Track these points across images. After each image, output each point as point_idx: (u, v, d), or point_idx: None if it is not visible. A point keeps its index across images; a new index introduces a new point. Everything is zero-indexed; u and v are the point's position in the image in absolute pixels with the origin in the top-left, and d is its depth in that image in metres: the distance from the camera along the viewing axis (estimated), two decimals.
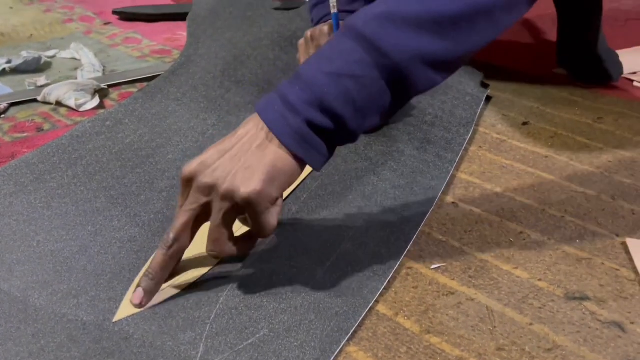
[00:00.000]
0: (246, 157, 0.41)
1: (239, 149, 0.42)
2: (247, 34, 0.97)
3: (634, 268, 0.49)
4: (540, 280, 0.48)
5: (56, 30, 1.12)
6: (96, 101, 0.79)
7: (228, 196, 0.41)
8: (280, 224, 0.45)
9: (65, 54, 0.97)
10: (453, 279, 0.48)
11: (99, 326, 0.41)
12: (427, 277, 0.49)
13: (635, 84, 0.87)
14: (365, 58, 0.40)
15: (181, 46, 1.04)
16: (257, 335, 0.41)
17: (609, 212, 0.57)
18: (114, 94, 0.84)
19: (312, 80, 0.41)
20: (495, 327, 0.43)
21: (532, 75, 0.90)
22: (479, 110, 0.74)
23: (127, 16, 1.18)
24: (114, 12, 1.19)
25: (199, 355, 0.39)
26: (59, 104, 0.79)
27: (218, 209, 0.42)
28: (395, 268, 0.48)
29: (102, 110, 0.78)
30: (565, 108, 0.79)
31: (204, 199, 0.42)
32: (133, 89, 0.85)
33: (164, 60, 0.97)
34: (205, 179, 0.41)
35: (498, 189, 0.61)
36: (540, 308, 0.45)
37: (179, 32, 1.12)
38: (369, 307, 0.44)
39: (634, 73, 0.89)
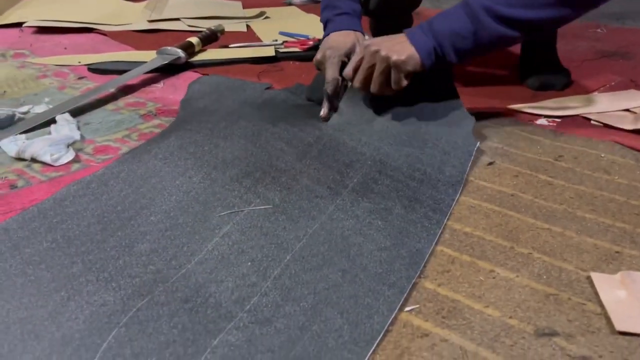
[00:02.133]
0: (397, 44, 0.78)
1: (392, 40, 0.80)
2: (239, 104, 1.00)
3: (600, 302, 0.51)
4: (510, 317, 0.49)
5: (30, 86, 1.13)
6: (71, 154, 0.80)
7: (385, 58, 0.78)
8: (259, 287, 0.52)
9: (38, 109, 0.98)
10: (427, 320, 0.49)
11: None
12: (402, 319, 0.49)
13: (592, 122, 0.91)
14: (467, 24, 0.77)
15: (155, 98, 1.06)
16: None
17: (573, 248, 0.59)
18: (89, 147, 0.84)
19: (437, 30, 0.78)
20: None
21: (490, 112, 0.94)
22: (468, 167, 0.74)
23: (101, 71, 1.20)
24: (89, 69, 1.21)
25: None
26: (33, 160, 0.79)
27: (379, 66, 0.79)
28: (378, 341, 0.46)
29: (77, 164, 0.78)
30: (528, 147, 0.82)
31: (372, 61, 0.80)
32: (107, 142, 0.86)
33: (138, 112, 0.98)
34: (374, 47, 0.79)
35: (467, 229, 0.63)
36: (511, 346, 0.46)
37: (154, 84, 1.14)
38: None
39: (591, 113, 0.93)
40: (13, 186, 0.73)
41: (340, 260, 0.56)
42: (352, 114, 0.87)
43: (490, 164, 0.78)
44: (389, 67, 0.78)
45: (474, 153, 0.77)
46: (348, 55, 0.89)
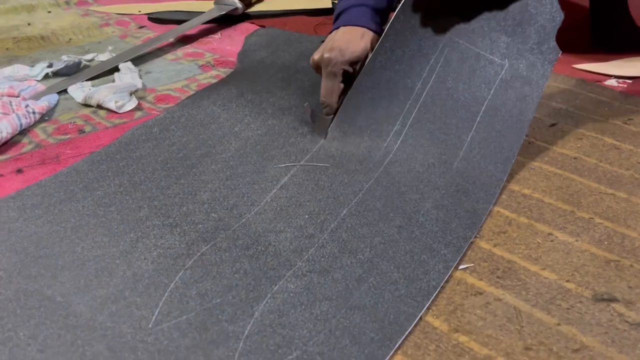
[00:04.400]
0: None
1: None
2: (296, 57, 0.99)
3: None
4: (568, 281, 0.49)
5: (93, 34, 1.16)
6: (134, 102, 0.82)
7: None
8: (316, 239, 0.53)
9: (102, 57, 1.01)
10: (481, 279, 0.50)
11: (135, 336, 0.43)
12: (456, 277, 0.50)
13: None
14: None
15: (212, 49, 1.07)
16: (290, 357, 0.41)
17: (638, 215, 0.57)
18: (150, 96, 0.87)
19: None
20: (522, 327, 0.45)
21: (555, 71, 0.90)
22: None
23: (160, 21, 1.21)
24: (149, 18, 1.23)
25: None
26: (99, 106, 0.82)
27: None
28: (433, 297, 0.47)
29: (140, 112, 0.81)
30: (594, 109, 0.79)
31: None
32: (168, 92, 0.88)
33: (196, 62, 1.00)
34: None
35: (526, 191, 0.62)
36: (568, 309, 0.46)
37: (211, 35, 1.15)
38: (405, 335, 0.44)
39: None
40: (81, 131, 0.76)
41: (396, 217, 0.56)
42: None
43: (553, 125, 0.75)
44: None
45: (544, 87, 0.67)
46: (354, 63, 0.69)
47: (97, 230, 0.55)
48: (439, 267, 0.50)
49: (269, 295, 0.47)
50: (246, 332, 0.43)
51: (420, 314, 0.45)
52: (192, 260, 0.50)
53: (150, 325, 0.44)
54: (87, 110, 0.82)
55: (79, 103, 0.84)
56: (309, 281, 0.48)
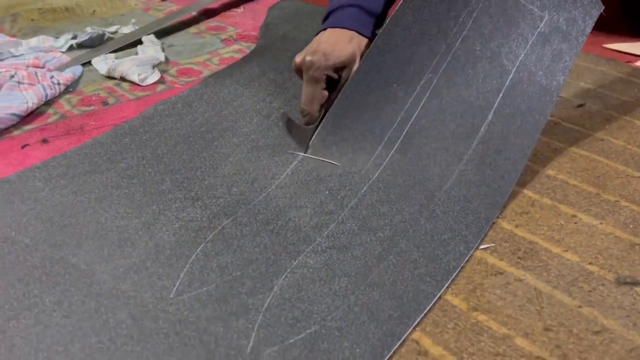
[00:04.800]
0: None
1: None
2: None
3: None
4: (590, 263, 0.48)
5: (117, 6, 1.16)
6: (157, 75, 0.83)
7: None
8: (336, 215, 0.51)
9: (125, 30, 1.01)
10: (502, 260, 0.49)
11: (157, 305, 0.44)
12: (476, 257, 0.50)
13: None
14: None
15: (235, 23, 1.06)
16: (308, 331, 0.42)
17: None
18: (173, 69, 0.87)
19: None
20: (543, 307, 0.44)
21: (583, 51, 0.88)
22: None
23: None
24: None
25: (250, 346, 0.41)
26: (122, 79, 0.82)
27: None
28: (453, 277, 0.47)
29: (162, 85, 0.81)
30: (624, 90, 0.77)
31: None
32: (190, 65, 0.88)
33: (219, 36, 0.99)
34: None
35: (550, 172, 0.61)
36: (590, 291, 0.46)
37: (234, 9, 1.14)
38: (423, 314, 0.44)
39: None
40: (105, 103, 0.77)
41: (417, 194, 0.56)
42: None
43: (581, 105, 0.73)
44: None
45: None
46: (339, 69, 0.63)
47: (120, 202, 0.55)
48: (459, 247, 0.49)
49: (288, 270, 0.47)
50: (265, 305, 0.44)
51: (440, 294, 0.45)
52: (213, 234, 0.51)
53: (171, 296, 0.45)
54: (110, 83, 0.82)
55: (102, 75, 0.84)
56: (329, 257, 0.48)
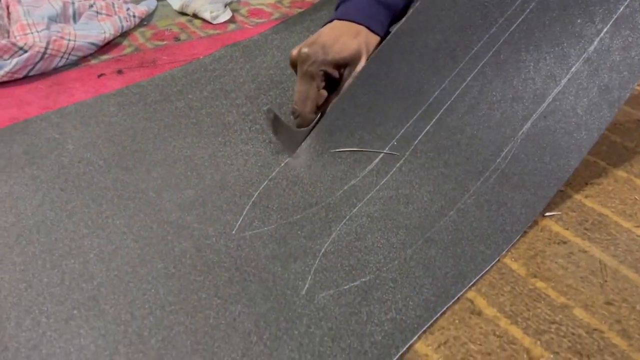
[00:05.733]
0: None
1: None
2: None
3: None
4: None
5: None
6: (228, 14, 0.83)
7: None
8: (396, 161, 0.51)
9: None
10: (567, 229, 0.48)
11: (220, 240, 0.45)
12: (540, 223, 0.48)
13: None
14: None
15: None
16: (363, 279, 0.42)
17: None
18: (244, 9, 0.86)
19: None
20: (606, 281, 0.43)
21: None
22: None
23: None
24: None
25: (306, 287, 0.42)
26: (194, 15, 0.83)
27: None
28: (514, 242, 0.46)
29: (233, 25, 0.81)
30: None
31: None
32: (261, 6, 0.87)
33: None
34: None
35: (629, 144, 0.57)
36: None
37: None
38: (480, 275, 0.43)
39: None
40: (177, 38, 0.78)
41: (481, 155, 0.53)
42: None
43: None
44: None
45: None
46: (340, 66, 0.55)
47: (188, 131, 0.57)
48: (523, 213, 0.48)
49: (347, 217, 0.47)
50: (323, 250, 0.45)
51: (499, 257, 0.45)
52: (276, 171, 0.52)
53: (234, 232, 0.46)
54: (183, 19, 0.83)
55: (175, 11, 0.85)
56: (388, 208, 0.48)
